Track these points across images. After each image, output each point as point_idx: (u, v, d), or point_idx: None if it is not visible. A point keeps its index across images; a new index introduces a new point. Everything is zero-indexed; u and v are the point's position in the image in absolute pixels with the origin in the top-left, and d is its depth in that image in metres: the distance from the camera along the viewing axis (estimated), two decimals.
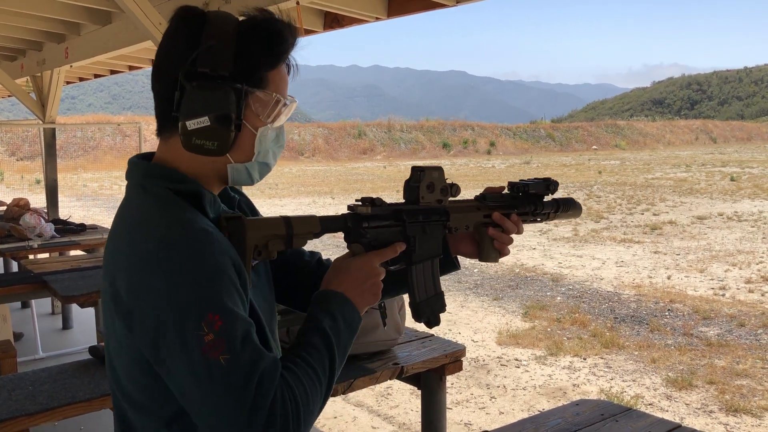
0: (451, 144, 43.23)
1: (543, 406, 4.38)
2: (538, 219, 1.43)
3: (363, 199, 1.18)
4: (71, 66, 5.94)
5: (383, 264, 1.19)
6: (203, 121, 1.04)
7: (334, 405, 4.31)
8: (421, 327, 3.71)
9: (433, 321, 1.26)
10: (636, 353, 5.46)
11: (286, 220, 1.09)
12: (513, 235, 1.37)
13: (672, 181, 21.31)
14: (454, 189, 1.28)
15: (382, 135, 42.14)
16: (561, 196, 1.46)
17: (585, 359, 5.34)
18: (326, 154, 37.75)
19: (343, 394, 2.11)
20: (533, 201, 1.40)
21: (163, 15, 3.39)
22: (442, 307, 1.28)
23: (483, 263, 9.24)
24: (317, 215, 1.13)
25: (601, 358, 5.37)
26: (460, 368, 2.39)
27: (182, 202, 1.06)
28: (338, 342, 1.09)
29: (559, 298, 7.39)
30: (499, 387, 4.75)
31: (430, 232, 1.25)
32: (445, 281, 8.03)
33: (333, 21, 4.19)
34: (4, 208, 5.98)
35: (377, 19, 3.84)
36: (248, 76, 1.09)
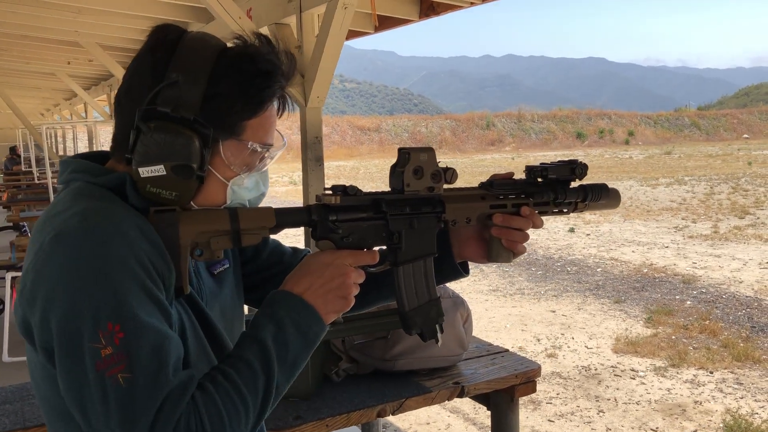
0: (585, 134, 41.56)
1: (657, 425, 3.97)
2: (565, 210, 1.18)
3: (333, 187, 0.98)
4: None
5: (363, 267, 0.99)
6: (158, 170, 0.89)
7: (429, 410, 4.14)
8: (496, 341, 3.45)
9: (427, 333, 1.05)
10: None
11: (232, 213, 0.93)
12: (532, 230, 1.13)
13: None
14: (449, 174, 1.05)
15: (512, 125, 41.22)
16: (591, 182, 1.20)
17: (712, 373, 4.81)
18: (453, 146, 37.47)
19: (393, 414, 1.93)
20: (554, 188, 1.15)
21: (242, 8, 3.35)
22: (439, 316, 1.06)
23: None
24: (272, 207, 0.95)
25: (731, 372, 4.82)
26: (533, 390, 2.14)
27: (104, 193, 0.91)
28: (282, 356, 0.90)
29: (689, 302, 6.77)
30: (609, 400, 4.37)
31: (419, 227, 1.03)
32: (563, 281, 7.62)
33: (429, 9, 4.05)
34: None
35: (472, 4, 3.66)
36: (219, 122, 0.92)
